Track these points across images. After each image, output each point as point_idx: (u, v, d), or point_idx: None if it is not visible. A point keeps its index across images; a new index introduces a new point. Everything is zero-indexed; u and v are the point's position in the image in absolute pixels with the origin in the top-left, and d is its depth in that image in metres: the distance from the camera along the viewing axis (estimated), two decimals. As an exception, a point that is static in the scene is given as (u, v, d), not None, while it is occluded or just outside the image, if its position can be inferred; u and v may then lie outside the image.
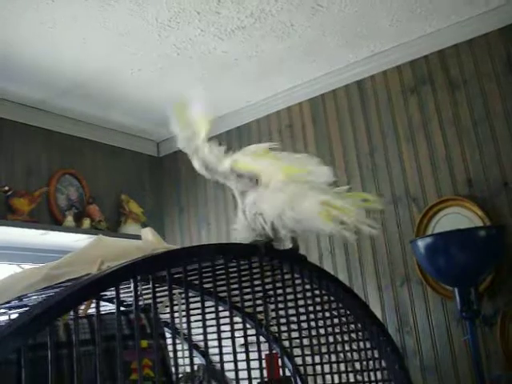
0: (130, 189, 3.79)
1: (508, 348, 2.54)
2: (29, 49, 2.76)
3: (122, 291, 1.81)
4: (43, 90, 3.16)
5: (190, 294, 2.02)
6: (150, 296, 1.97)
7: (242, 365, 1.74)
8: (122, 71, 3.07)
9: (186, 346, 2.40)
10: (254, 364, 1.80)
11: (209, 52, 2.93)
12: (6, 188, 3.08)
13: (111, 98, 3.36)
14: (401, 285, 2.90)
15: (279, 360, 2.01)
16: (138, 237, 3.48)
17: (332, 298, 2.10)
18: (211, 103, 3.28)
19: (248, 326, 2.13)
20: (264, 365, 1.87)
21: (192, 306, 1.85)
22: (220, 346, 1.67)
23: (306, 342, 2.13)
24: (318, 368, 2.13)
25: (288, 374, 2.27)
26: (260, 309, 2.04)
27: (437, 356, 2.74)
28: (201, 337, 1.70)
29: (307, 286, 2.04)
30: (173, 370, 2.02)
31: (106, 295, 1.98)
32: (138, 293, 1.76)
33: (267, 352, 1.88)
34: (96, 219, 3.40)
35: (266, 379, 1.86)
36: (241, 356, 1.80)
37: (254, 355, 1.80)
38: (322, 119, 3.32)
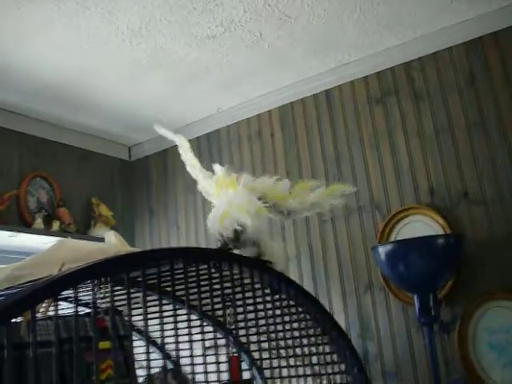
0: (101, 192, 3.82)
1: (466, 354, 2.61)
2: (1, 52, 2.77)
3: (86, 293, 1.85)
4: (16, 93, 3.18)
5: (156, 298, 2.06)
6: (116, 298, 2.02)
7: (209, 366, 1.80)
8: (95, 76, 3.10)
9: (151, 349, 2.45)
10: (218, 366, 1.86)
11: (179, 60, 2.97)
12: (-25, 189, 3.10)
13: (83, 102, 3.38)
14: (364, 291, 2.96)
15: (238, 363, 2.05)
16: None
17: (292, 303, 2.16)
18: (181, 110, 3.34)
19: (211, 329, 2.19)
20: (225, 367, 1.93)
21: (156, 309, 1.89)
22: (177, 350, 1.72)
23: (266, 345, 2.19)
24: (282, 372, 2.18)
25: (248, 376, 2.31)
26: (221, 312, 2.10)
27: (397, 361, 2.81)
28: (166, 339, 1.76)
29: (267, 291, 2.09)
30: (137, 371, 2.07)
31: (69, 297, 2.01)
32: (102, 295, 1.81)
33: (229, 355, 1.93)
34: (65, 222, 3.42)
35: (224, 381, 1.92)
36: (205, 358, 1.85)
37: (216, 358, 1.86)
38: (290, 127, 3.38)
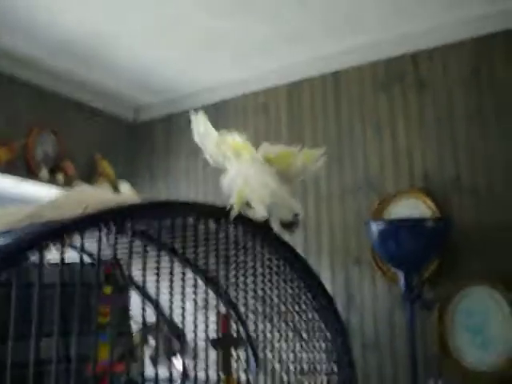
0: (105, 150, 3.90)
1: (444, 333, 2.75)
2: (25, 3, 2.84)
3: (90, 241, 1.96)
4: (33, 45, 3.26)
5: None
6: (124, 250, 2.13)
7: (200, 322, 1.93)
8: (110, 36, 3.18)
9: (147, 302, 2.56)
10: (208, 322, 2.00)
11: (194, 28, 3.06)
12: (-15, 136, 3.19)
13: (96, 60, 3.46)
14: (352, 265, 3.10)
15: (228, 321, 2.16)
16: (107, 197, 3.60)
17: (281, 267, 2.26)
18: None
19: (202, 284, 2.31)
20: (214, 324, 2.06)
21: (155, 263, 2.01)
22: (171, 301, 1.84)
23: (254, 306, 2.33)
24: (269, 334, 2.32)
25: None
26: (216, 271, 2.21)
27: (378, 334, 2.96)
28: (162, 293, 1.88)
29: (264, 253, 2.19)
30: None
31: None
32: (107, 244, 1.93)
33: (221, 312, 2.05)
34: (69, 175, 3.52)
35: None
36: (196, 314, 1.99)
37: (207, 314, 2.00)
38: (296, 104, 3.50)
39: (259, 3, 2.83)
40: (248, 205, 1.89)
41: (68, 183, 3.44)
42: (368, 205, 3.11)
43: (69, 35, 3.15)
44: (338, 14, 2.94)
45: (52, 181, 3.42)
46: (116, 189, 3.76)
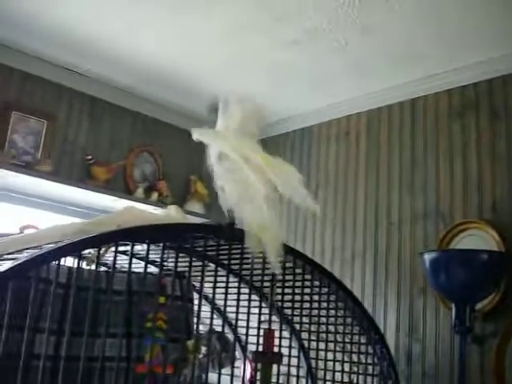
0: (201, 172, 4.18)
1: (501, 370, 2.66)
2: (121, 41, 3.20)
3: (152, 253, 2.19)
4: (132, 76, 3.64)
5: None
6: (185, 264, 2.36)
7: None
8: (202, 68, 3.47)
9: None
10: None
11: (270, 60, 3.25)
12: (89, 157, 3.58)
13: (191, 88, 3.76)
14: (418, 294, 3.09)
15: (276, 336, 2.27)
16: (200, 215, 3.88)
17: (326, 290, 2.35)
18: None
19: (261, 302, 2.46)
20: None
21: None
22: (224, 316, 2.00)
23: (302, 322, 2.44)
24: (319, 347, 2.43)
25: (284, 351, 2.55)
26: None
27: (438, 364, 2.93)
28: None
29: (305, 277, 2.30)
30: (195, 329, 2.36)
31: (139, 254, 2.36)
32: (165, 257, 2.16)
33: (273, 328, 2.19)
34: (163, 194, 3.83)
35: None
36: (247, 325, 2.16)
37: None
38: (375, 131, 3.55)
39: (324, 37, 2.95)
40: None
41: (161, 202, 3.74)
42: (436, 233, 3.09)
43: (159, 66, 3.48)
44: (403, 46, 3.00)
45: (146, 199, 3.74)
46: (208, 208, 4.03)
